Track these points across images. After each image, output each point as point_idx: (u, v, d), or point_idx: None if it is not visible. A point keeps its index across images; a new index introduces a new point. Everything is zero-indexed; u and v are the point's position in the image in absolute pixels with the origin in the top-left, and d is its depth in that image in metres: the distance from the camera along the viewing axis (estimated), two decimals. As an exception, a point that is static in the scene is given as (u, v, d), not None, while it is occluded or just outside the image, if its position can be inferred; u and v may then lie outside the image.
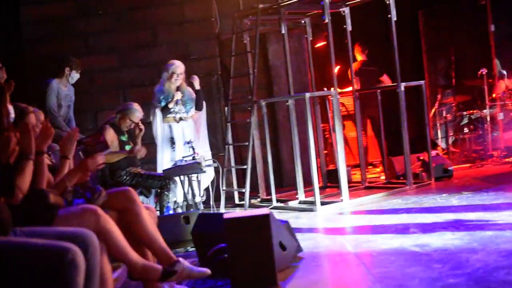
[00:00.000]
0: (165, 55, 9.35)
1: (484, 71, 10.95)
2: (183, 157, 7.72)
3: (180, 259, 4.44)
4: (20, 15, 9.63)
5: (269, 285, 4.73)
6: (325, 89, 10.76)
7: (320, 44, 11.18)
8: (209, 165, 7.95)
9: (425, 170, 9.27)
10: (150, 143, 8.28)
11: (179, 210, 7.83)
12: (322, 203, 8.15)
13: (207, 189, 8.32)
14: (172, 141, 8.20)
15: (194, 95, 8.33)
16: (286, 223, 5.54)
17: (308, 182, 8.47)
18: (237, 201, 9.09)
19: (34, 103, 4.84)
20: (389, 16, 8.83)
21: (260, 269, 4.74)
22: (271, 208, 8.05)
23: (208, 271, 4.52)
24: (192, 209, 7.58)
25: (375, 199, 8.43)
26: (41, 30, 9.62)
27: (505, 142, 11.12)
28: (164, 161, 8.15)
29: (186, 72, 8.29)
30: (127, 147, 7.48)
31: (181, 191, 7.77)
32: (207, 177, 8.28)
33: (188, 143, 7.82)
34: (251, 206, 8.68)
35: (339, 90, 8.59)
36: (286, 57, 9.03)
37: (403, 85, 8.86)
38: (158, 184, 7.41)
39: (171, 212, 7.41)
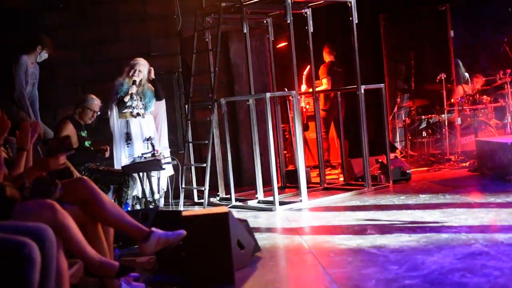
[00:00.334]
0: (127, 51, 9.28)
1: (443, 76, 11.10)
2: (143, 153, 7.68)
3: (153, 229, 4.49)
4: (-20, 8, 9.48)
5: (226, 283, 4.73)
6: (286, 89, 10.78)
7: (282, 45, 11.21)
8: (168, 163, 7.92)
9: (384, 173, 9.34)
10: (109, 139, 8.20)
11: (138, 207, 7.78)
12: (281, 203, 8.17)
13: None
14: (127, 137, 8.12)
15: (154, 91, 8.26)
16: (244, 222, 5.54)
17: (267, 182, 8.48)
18: (196, 200, 9.07)
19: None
20: (350, 18, 8.91)
21: (218, 268, 4.75)
22: (230, 207, 8.04)
23: (183, 232, 4.54)
24: (150, 206, 7.55)
25: (333, 200, 8.47)
26: (1, 23, 9.46)
27: (462, 147, 11.29)
28: (121, 157, 8.08)
29: (150, 71, 8.25)
30: (87, 143, 7.41)
31: (140, 188, 7.72)
32: (165, 174, 8.26)
33: (148, 139, 7.78)
34: (210, 204, 8.66)
35: (304, 91, 8.61)
36: (247, 56, 9.03)
37: (363, 87, 8.94)
38: (117, 181, 7.36)
39: (129, 209, 7.36)
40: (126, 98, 8.03)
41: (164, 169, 7.72)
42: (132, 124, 8.11)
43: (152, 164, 7.47)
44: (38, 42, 8.24)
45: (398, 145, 12.06)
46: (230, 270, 4.76)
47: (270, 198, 8.22)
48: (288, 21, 8.37)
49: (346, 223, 6.77)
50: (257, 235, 5.76)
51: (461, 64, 12.08)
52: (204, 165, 8.65)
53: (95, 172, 7.36)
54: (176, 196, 8.61)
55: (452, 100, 11.54)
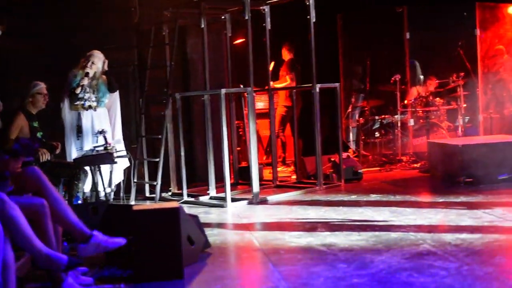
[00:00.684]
0: (82, 42, 9.14)
1: (397, 77, 11.22)
2: (95, 146, 7.60)
3: (95, 232, 4.47)
4: None
5: (175, 278, 4.72)
6: (241, 86, 10.77)
7: (239, 41, 11.20)
8: (120, 156, 7.86)
9: (336, 172, 9.41)
10: (60, 131, 8.09)
11: (88, 200, 7.71)
12: (233, 200, 8.18)
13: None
14: (78, 130, 8.01)
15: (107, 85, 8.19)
16: (195, 218, 5.54)
17: (220, 178, 8.49)
18: (147, 194, 9.01)
19: None
20: (308, 17, 8.94)
21: (167, 263, 4.73)
22: (181, 203, 8.02)
23: (123, 240, 4.53)
24: (101, 200, 7.49)
25: (285, 197, 8.50)
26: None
27: (414, 148, 11.43)
28: (71, 149, 7.98)
29: (105, 63, 8.16)
30: (39, 134, 7.31)
31: (91, 181, 7.66)
32: (120, 168, 8.20)
33: (100, 133, 7.70)
34: (162, 199, 8.63)
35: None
36: (204, 51, 9.01)
37: (318, 86, 8.98)
38: (68, 173, 7.27)
39: (80, 202, 7.29)
40: (78, 90, 7.92)
41: (116, 162, 7.66)
42: (84, 117, 8.00)
43: (104, 157, 7.40)
44: None
45: (351, 144, 12.14)
46: (179, 266, 4.75)
47: (222, 195, 8.23)
48: (246, 18, 8.38)
49: (296, 221, 6.82)
50: (207, 231, 5.76)
51: (418, 65, 12.21)
52: (157, 159, 8.61)
53: (46, 164, 7.26)
54: (128, 190, 8.55)
55: (406, 102, 11.66)
